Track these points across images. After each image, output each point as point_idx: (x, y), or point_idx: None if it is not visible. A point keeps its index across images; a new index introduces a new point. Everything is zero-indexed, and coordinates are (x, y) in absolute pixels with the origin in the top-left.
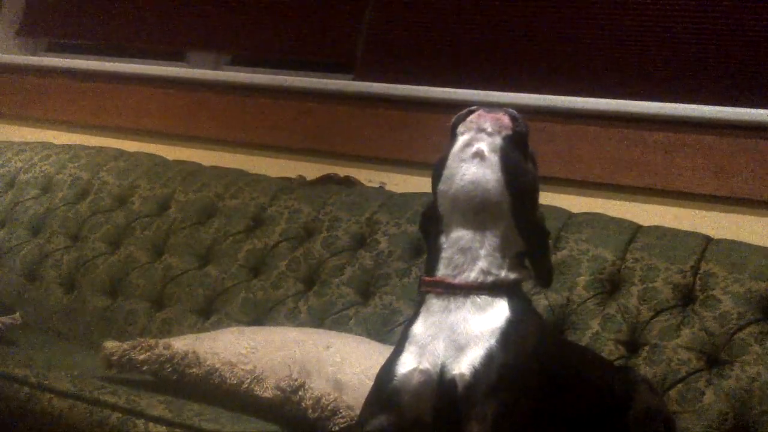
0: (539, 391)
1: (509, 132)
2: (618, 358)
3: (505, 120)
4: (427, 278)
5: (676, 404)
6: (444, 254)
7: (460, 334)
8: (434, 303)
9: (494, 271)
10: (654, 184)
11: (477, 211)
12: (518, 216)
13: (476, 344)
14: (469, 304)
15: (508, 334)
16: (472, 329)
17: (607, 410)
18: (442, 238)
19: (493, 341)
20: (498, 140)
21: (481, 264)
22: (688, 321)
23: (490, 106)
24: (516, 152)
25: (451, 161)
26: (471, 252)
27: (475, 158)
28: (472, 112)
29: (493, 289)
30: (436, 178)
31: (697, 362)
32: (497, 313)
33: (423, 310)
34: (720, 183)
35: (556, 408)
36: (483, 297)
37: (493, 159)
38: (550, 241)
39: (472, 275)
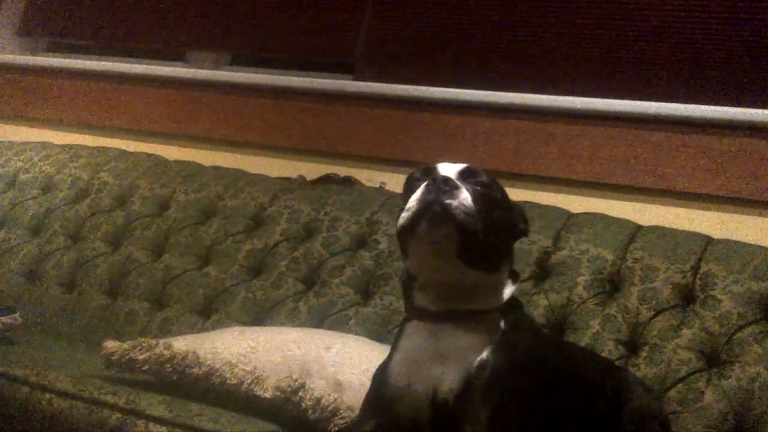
0: (533, 393)
1: (434, 201)
2: (618, 358)
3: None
4: (410, 305)
5: (676, 404)
6: (423, 294)
7: (451, 354)
8: (421, 327)
9: (479, 306)
10: (654, 184)
11: (437, 266)
12: (482, 266)
13: (468, 358)
14: (460, 326)
15: (501, 344)
16: (464, 346)
17: (602, 410)
18: (417, 284)
19: (485, 353)
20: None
21: (463, 299)
22: (688, 321)
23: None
24: (454, 206)
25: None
26: (448, 293)
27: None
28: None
29: (482, 314)
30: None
31: (697, 362)
32: (490, 328)
33: (409, 329)
34: (720, 183)
35: (550, 409)
36: (472, 320)
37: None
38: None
39: (457, 305)
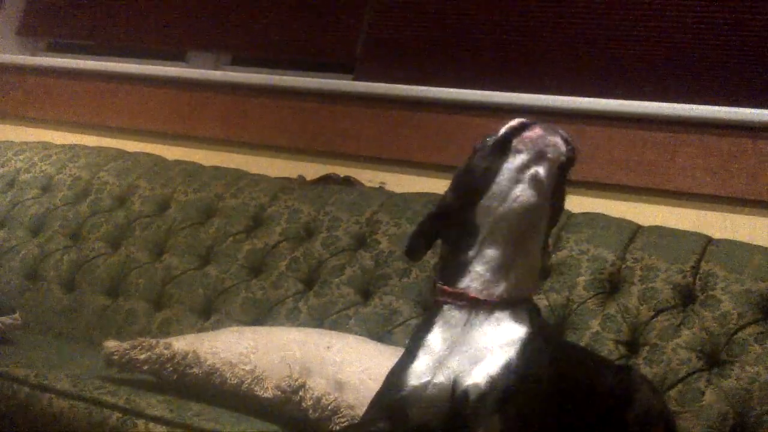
0: (551, 399)
1: (564, 159)
2: (618, 358)
3: (563, 147)
4: (447, 288)
5: (676, 404)
6: (473, 268)
7: (480, 349)
8: (454, 315)
9: (521, 288)
10: (654, 184)
11: (522, 234)
12: (548, 239)
13: (495, 355)
14: (493, 319)
15: (527, 345)
16: (493, 342)
17: (608, 411)
18: (472, 252)
19: (512, 352)
20: (554, 169)
21: (511, 282)
22: (688, 321)
23: (542, 121)
24: (563, 179)
25: (504, 178)
26: (503, 270)
27: (531, 182)
28: (525, 125)
29: (517, 305)
30: (477, 189)
31: (697, 362)
32: (518, 325)
33: (439, 319)
34: (720, 183)
35: (563, 412)
36: (506, 312)
37: (547, 186)
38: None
39: (499, 291)
